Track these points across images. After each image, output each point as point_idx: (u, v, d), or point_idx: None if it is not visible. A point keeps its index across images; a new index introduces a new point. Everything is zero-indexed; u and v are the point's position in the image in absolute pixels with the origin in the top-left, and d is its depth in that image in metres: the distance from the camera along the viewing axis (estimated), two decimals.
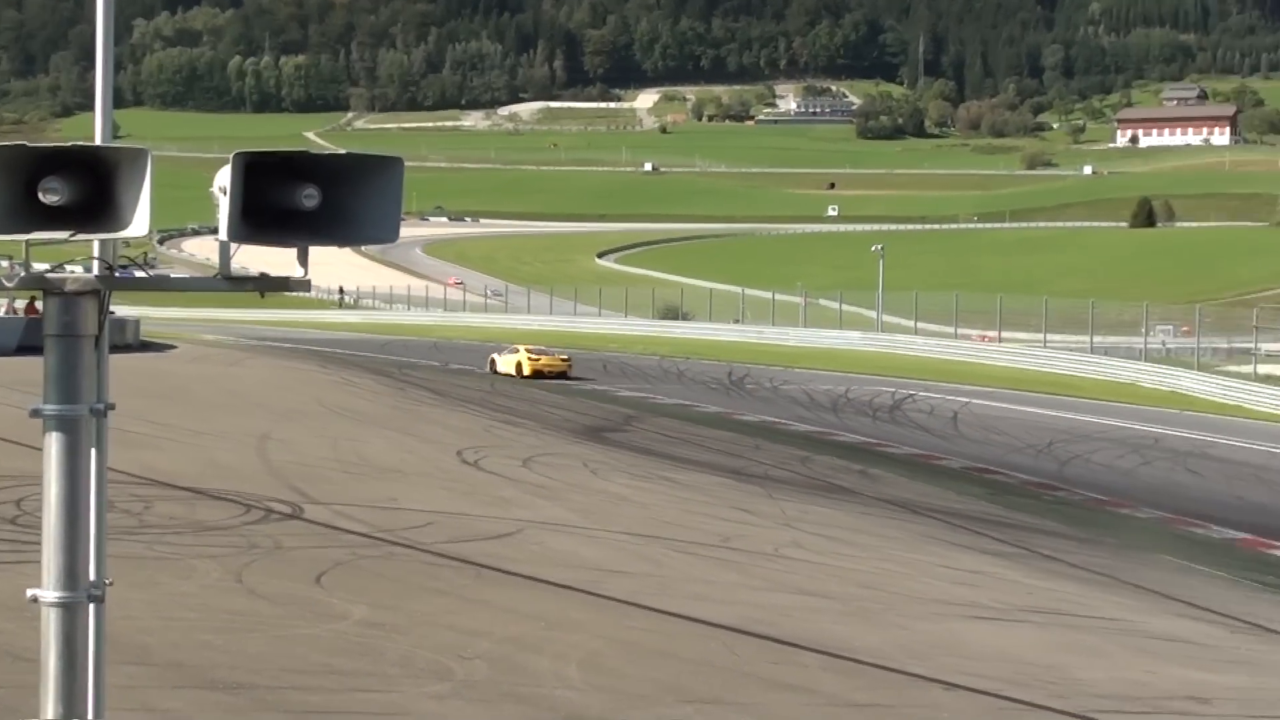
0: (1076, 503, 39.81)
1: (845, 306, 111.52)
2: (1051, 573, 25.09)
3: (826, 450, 45.29)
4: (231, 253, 5.74)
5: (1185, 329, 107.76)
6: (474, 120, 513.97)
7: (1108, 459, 49.76)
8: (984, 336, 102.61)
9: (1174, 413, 66.43)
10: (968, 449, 50.33)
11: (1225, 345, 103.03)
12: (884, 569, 22.78)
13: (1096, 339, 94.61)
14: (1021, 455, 49.35)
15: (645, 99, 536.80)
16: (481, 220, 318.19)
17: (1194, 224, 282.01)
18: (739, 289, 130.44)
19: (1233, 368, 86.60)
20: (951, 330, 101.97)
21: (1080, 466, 47.73)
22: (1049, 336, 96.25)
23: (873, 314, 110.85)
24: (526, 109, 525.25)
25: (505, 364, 68.99)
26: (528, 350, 70.19)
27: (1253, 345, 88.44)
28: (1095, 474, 46.42)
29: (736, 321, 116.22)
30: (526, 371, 67.24)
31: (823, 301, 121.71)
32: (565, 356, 70.73)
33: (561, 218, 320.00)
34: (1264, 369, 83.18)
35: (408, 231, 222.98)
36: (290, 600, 15.27)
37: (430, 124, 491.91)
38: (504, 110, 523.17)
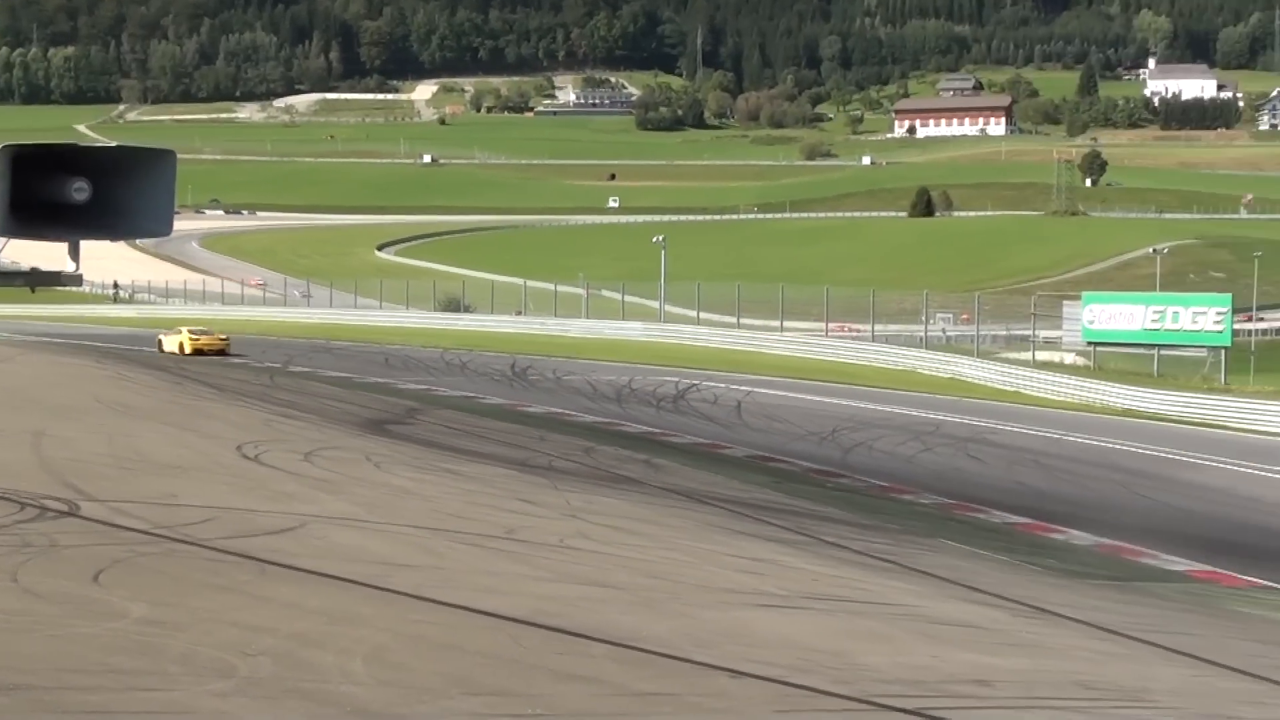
0: (859, 489, 40.12)
1: (627, 297, 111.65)
2: (835, 559, 25.21)
3: (611, 441, 45.28)
4: (0, 247, 5.60)
5: (964, 317, 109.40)
6: (249, 112, 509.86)
7: (889, 445, 50.20)
8: (846, 328, 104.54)
9: (954, 399, 67.13)
10: (751, 437, 50.63)
11: (1004, 332, 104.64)
12: (670, 558, 22.75)
13: (877, 327, 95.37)
14: (804, 443, 49.68)
15: (423, 91, 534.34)
16: (259, 213, 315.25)
17: (971, 213, 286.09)
18: (521, 281, 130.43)
19: (1011, 354, 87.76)
20: (734, 320, 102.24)
21: (863, 453, 48.15)
22: (830, 325, 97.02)
23: (655, 304, 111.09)
24: (302, 101, 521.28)
25: (170, 343, 77.04)
26: (189, 331, 78.56)
27: (1030, 332, 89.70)
28: (877, 461, 46.85)
29: (519, 313, 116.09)
30: (188, 350, 75.31)
31: (605, 292, 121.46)
32: (224, 337, 78.95)
33: (340, 210, 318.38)
34: (1041, 355, 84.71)
35: (183, 225, 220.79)
36: (67, 599, 14.96)
37: (204, 116, 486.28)
38: (279, 102, 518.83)
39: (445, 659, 13.41)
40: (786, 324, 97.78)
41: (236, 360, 72.17)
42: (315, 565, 16.94)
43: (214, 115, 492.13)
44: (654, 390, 65.04)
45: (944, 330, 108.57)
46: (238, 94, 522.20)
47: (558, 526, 24.01)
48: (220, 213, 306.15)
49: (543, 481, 31.11)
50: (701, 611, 17.81)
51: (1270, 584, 30.45)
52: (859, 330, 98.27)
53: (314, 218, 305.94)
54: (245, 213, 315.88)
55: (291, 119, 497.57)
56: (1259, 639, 23.18)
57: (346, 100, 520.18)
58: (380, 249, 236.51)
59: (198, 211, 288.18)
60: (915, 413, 60.37)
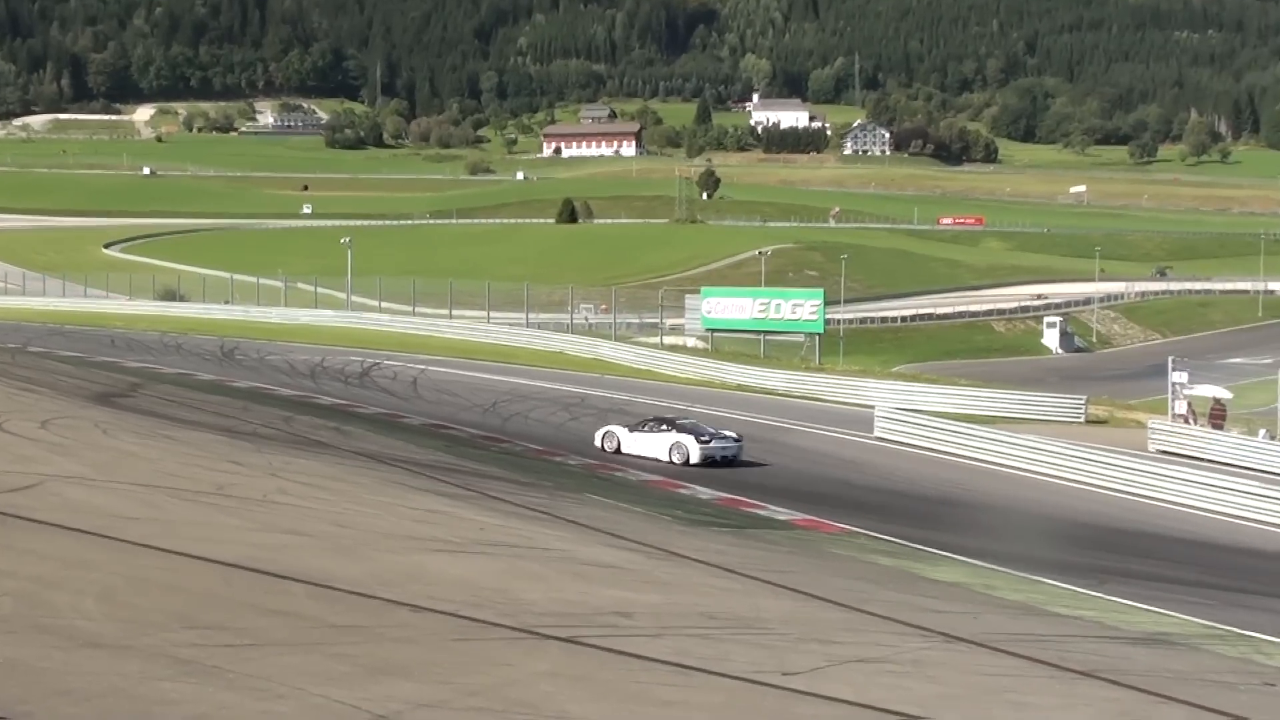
0: (518, 452, 40.11)
1: (320, 289, 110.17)
2: (499, 511, 25.10)
3: (306, 411, 44.63)
4: None
5: (604, 307, 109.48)
6: None
7: (543, 415, 50.32)
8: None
9: (596, 376, 67.39)
10: (426, 408, 50.37)
11: (637, 320, 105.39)
12: (358, 511, 22.43)
13: (531, 315, 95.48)
14: (471, 413, 49.54)
15: (143, 113, 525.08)
16: None
17: (609, 220, 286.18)
18: (228, 274, 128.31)
19: (643, 338, 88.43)
20: (411, 309, 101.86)
21: (520, 422, 48.15)
22: (492, 314, 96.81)
23: (343, 295, 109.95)
24: (38, 120, 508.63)
25: None
26: None
27: (659, 320, 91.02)
28: (532, 428, 46.93)
29: (227, 302, 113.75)
30: None
31: (300, 285, 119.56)
32: None
33: (71, 214, 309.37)
34: (669, 340, 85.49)
35: None
36: None
37: None
38: (17, 121, 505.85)
39: (167, 598, 13.08)
40: (455, 312, 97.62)
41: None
42: (51, 518, 16.41)
43: None
44: (343, 368, 64.14)
45: (587, 318, 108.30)
46: None
47: (262, 484, 23.48)
48: None
49: (248, 446, 30.36)
50: (385, 556, 17.62)
51: (859, 530, 31.03)
52: (515, 318, 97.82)
53: (48, 220, 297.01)
54: None
55: (28, 135, 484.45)
56: (851, 576, 23.61)
57: (76, 120, 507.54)
58: (107, 247, 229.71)
59: None
60: (564, 388, 60.54)
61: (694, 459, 40.97)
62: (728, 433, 42.98)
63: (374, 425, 42.72)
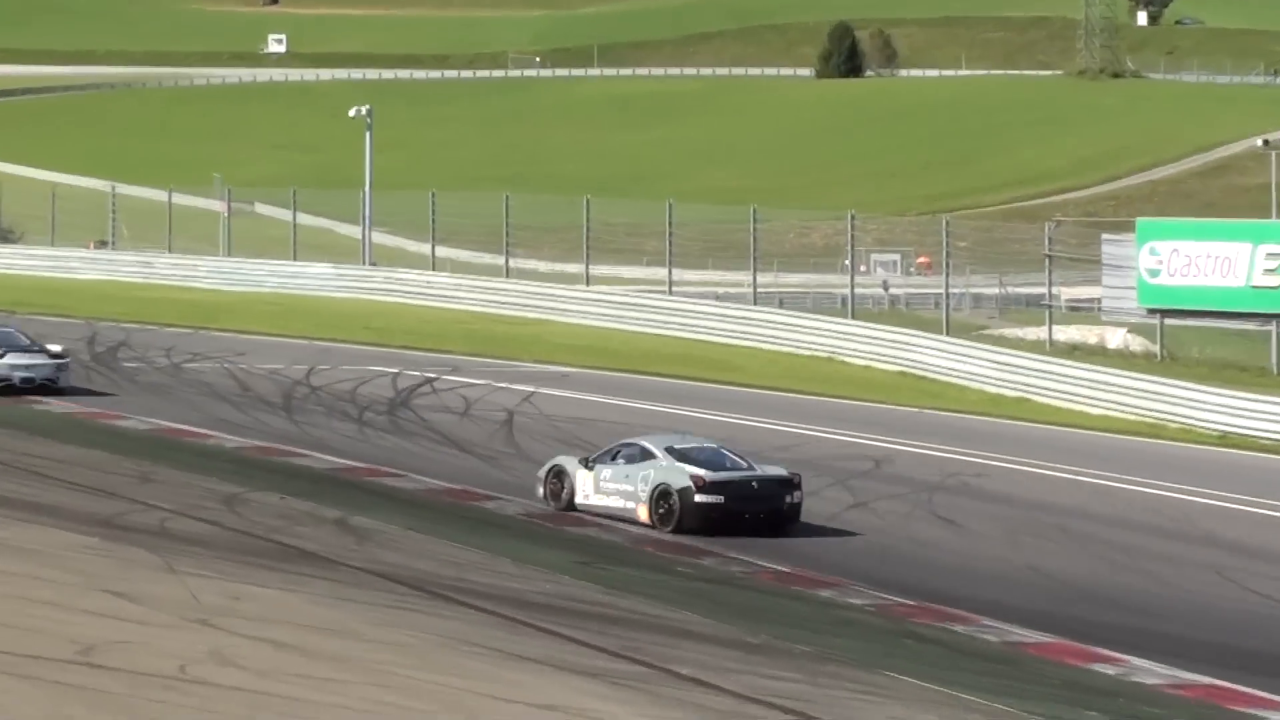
0: (737, 579, 24.65)
1: (305, 218, 62.39)
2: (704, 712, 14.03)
3: (273, 482, 28.04)
4: None
5: (922, 259, 76.48)
6: None
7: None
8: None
9: (912, 411, 42.24)
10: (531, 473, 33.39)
11: (997, 289, 69.85)
12: (386, 708, 12.07)
13: (766, 277, 66.46)
14: None
15: None
16: None
17: (928, 71, 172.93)
18: (107, 185, 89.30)
19: (1005, 329, 57.58)
20: (499, 261, 63.02)
21: None
22: (677, 274, 69.08)
23: (353, 232, 69.37)
24: None
25: None
26: None
27: (1044, 290, 59.13)
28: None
29: (103, 244, 78.59)
30: None
31: (261, 208, 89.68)
32: None
33: None
34: (1065, 333, 50.95)
35: None
36: None
37: None
38: None
39: None
40: (595, 270, 59.15)
41: None
42: None
43: None
44: (354, 389, 39.55)
45: (886, 285, 71.93)
46: None
47: (176, 642, 13.58)
48: None
49: (149, 558, 18.31)
50: None
51: None
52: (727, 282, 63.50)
53: None
54: None
55: None
56: None
57: None
58: None
59: None
60: (836, 434, 37.32)
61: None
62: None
63: (416, 513, 26.78)
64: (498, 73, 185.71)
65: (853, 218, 53.52)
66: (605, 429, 33.43)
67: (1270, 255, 43.74)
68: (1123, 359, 47.39)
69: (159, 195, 72.94)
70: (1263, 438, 38.38)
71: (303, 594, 17.63)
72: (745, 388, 43.18)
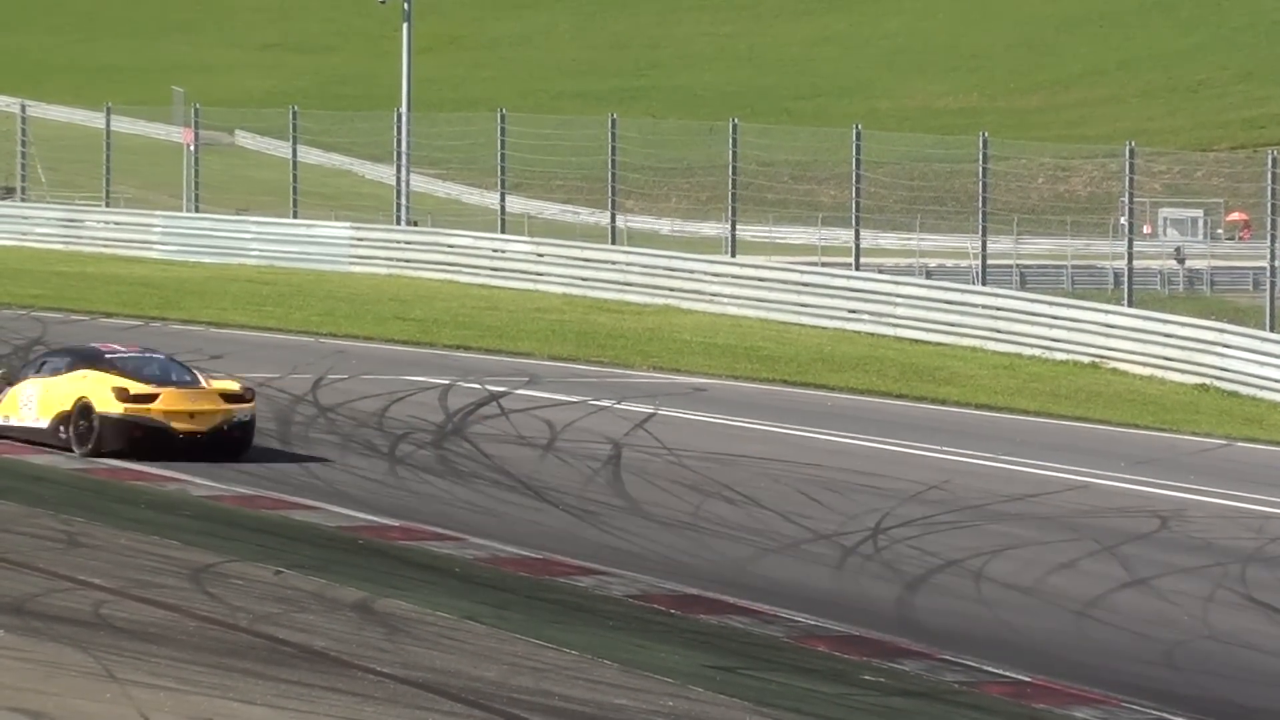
0: (975, 703, 19.32)
1: (306, 154, 69.25)
2: None
3: (260, 551, 21.22)
4: None
5: (1239, 217, 71.11)
6: None
7: (1013, 564, 26.60)
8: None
9: (1220, 443, 35.95)
10: (659, 539, 24.94)
11: None
12: None
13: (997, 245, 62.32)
14: (805, 554, 26.39)
15: None
16: None
17: None
18: (14, 103, 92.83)
19: None
20: (582, 223, 63.07)
21: (951, 581, 25.89)
22: (865, 243, 66.94)
23: (386, 176, 72.21)
24: None
25: None
26: None
27: None
28: (969, 606, 23.66)
29: (16, 193, 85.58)
30: None
31: (242, 137, 76.76)
32: None
33: None
34: None
35: None
36: None
37: None
38: None
39: None
40: (744, 234, 46.91)
41: None
42: None
43: None
44: (383, 409, 29.55)
45: (1180, 254, 57.01)
46: None
47: None
48: None
49: (79, 660, 13.05)
50: None
51: None
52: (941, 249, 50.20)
53: None
54: None
55: None
56: None
57: None
58: None
59: None
60: (1099, 478, 27.83)
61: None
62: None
63: (481, 595, 19.22)
64: None
65: (1131, 153, 39.61)
66: (756, 468, 25.35)
67: None
68: None
69: (92, 118, 57.09)
70: None
71: (306, 716, 12.93)
72: (964, 408, 33.14)
